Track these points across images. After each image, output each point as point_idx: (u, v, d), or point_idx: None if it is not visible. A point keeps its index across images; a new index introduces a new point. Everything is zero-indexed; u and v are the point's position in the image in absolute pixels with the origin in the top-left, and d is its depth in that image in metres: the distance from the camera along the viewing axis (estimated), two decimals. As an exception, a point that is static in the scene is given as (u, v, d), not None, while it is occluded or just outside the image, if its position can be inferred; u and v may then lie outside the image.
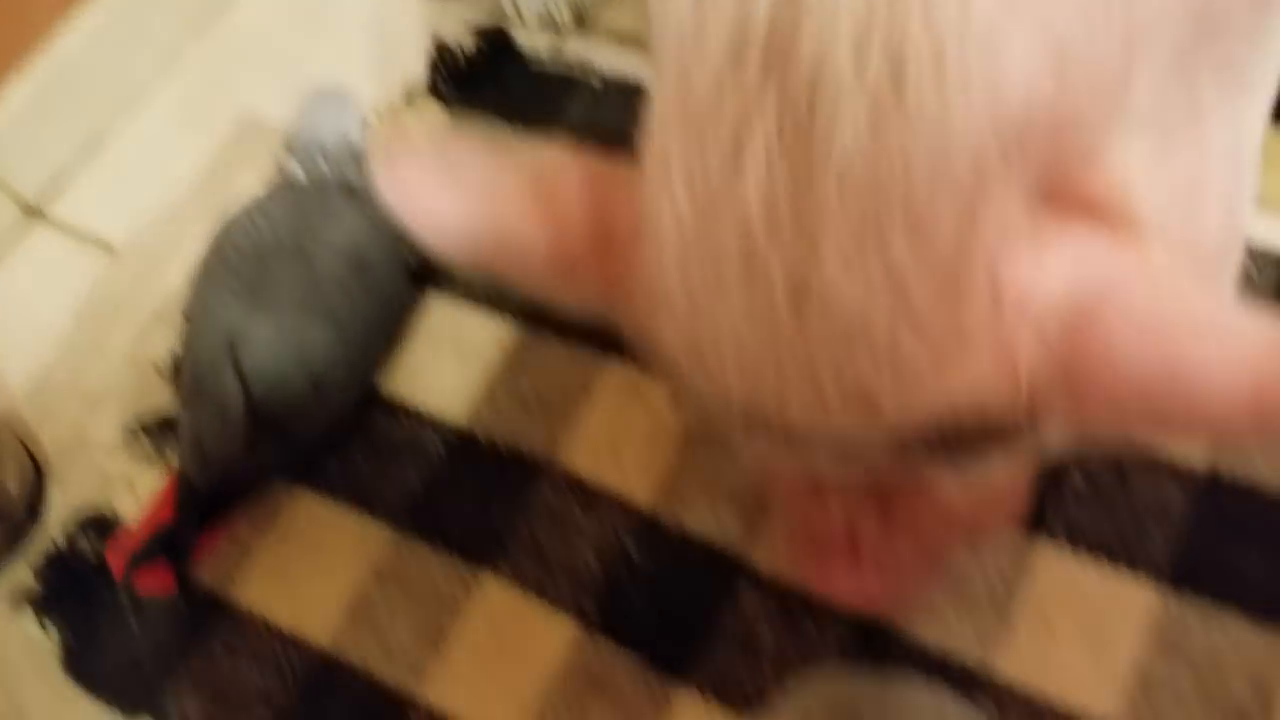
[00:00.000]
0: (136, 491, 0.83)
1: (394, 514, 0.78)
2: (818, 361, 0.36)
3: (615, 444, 0.78)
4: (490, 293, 0.86)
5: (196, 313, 0.81)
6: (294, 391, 0.76)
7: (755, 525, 0.72)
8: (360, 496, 0.80)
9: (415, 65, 1.00)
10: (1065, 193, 0.36)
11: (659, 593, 0.71)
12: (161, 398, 0.86)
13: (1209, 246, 0.45)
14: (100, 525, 0.82)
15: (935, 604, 0.68)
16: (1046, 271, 0.35)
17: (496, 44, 0.99)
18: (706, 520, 0.73)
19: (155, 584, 0.76)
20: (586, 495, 0.76)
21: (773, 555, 0.71)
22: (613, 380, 0.80)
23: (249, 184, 0.95)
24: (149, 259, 0.95)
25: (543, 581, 0.73)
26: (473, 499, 0.78)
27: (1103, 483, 0.70)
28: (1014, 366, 0.35)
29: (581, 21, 1.00)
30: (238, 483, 0.78)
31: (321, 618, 0.75)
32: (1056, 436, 0.38)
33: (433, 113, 0.98)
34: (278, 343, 0.77)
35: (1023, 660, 0.66)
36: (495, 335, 0.84)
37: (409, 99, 0.99)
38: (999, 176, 0.34)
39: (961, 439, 0.38)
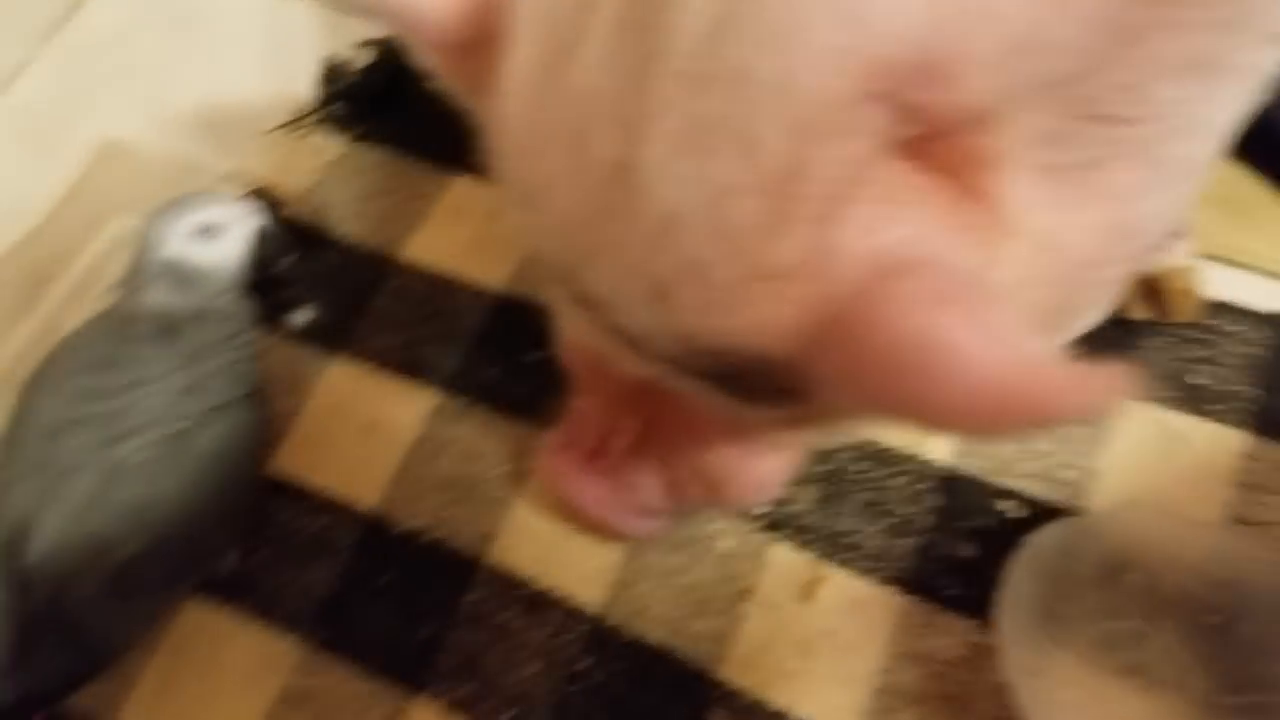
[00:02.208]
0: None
1: (302, 623, 0.68)
2: (627, 241, 0.36)
3: (556, 535, 0.69)
4: (404, 357, 0.76)
5: None
6: (86, 594, 0.60)
7: (724, 636, 0.64)
8: (261, 603, 0.69)
9: (303, 85, 0.88)
10: (940, 153, 0.35)
11: (617, 714, 0.63)
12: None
13: (1083, 257, 0.42)
14: None
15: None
16: (880, 234, 0.34)
17: (395, 58, 0.87)
18: (668, 628, 0.65)
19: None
20: (527, 598, 0.67)
21: (743, 669, 0.63)
22: (549, 459, 0.71)
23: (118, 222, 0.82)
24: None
25: (481, 705, 0.64)
26: (392, 604, 0.68)
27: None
28: (807, 315, 0.34)
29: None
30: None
31: (222, 752, 0.65)
32: (819, 404, 0.38)
33: (325, 143, 0.86)
34: (69, 534, 0.60)
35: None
36: (410, 404, 0.74)
37: (296, 126, 0.87)
38: (850, 112, 0.32)
39: (738, 377, 0.38)
